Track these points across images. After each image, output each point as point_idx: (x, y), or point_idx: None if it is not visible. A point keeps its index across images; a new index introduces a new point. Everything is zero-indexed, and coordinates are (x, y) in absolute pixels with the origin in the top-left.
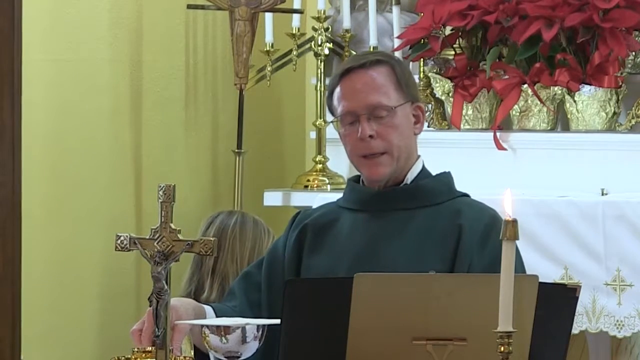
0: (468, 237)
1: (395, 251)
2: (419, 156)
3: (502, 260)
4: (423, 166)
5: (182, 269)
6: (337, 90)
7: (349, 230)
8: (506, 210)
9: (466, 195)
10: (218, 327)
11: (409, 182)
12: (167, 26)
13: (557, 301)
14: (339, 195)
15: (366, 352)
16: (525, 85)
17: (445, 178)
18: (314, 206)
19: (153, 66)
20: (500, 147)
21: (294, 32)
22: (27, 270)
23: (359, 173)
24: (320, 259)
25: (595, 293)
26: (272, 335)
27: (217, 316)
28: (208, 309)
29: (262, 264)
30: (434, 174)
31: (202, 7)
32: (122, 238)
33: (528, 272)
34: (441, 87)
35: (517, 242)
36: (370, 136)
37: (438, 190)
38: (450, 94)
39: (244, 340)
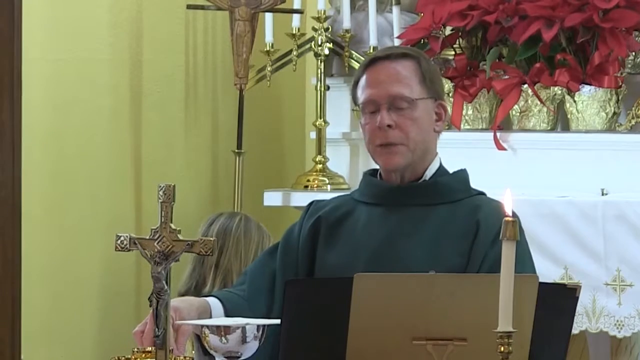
0: (484, 232)
1: (413, 247)
2: (436, 153)
3: (502, 260)
4: (440, 163)
5: (183, 269)
6: (362, 79)
7: (365, 224)
8: (506, 210)
9: (482, 193)
10: (218, 327)
11: (427, 178)
12: (167, 26)
13: (557, 301)
14: (339, 195)
15: (366, 352)
16: (525, 85)
17: (462, 175)
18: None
19: (153, 66)
20: (500, 147)
21: (294, 32)
22: (27, 270)
23: (374, 167)
24: (336, 254)
25: (595, 293)
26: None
27: (224, 306)
28: (214, 301)
29: (275, 251)
30: (450, 171)
31: (202, 7)
32: (122, 238)
33: None
34: None
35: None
36: (389, 126)
37: (456, 187)
38: (450, 94)
39: (244, 340)
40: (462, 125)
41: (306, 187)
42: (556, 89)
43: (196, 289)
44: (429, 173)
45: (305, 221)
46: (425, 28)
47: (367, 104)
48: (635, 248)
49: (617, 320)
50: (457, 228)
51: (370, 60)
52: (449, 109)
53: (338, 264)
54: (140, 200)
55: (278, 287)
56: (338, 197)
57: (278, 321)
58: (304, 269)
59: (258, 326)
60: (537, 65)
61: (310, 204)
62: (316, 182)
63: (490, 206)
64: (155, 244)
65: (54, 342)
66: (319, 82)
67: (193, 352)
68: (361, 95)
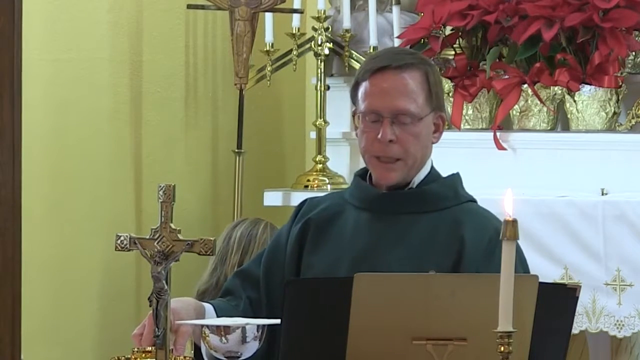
0: (471, 249)
1: (395, 258)
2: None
3: (502, 260)
4: (431, 168)
5: (183, 269)
6: (366, 84)
7: (352, 229)
8: (506, 210)
9: (473, 200)
10: (218, 327)
11: (414, 185)
12: (167, 26)
13: (557, 301)
14: (334, 192)
15: (366, 352)
16: (525, 85)
17: (452, 181)
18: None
19: (153, 66)
20: (500, 147)
21: (294, 32)
22: (27, 270)
23: (366, 167)
24: (320, 258)
25: (595, 293)
26: (272, 335)
27: (217, 314)
28: (208, 307)
29: (260, 261)
30: (443, 174)
31: (202, 7)
32: (122, 238)
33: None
34: None
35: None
36: (391, 140)
37: (443, 195)
38: (450, 94)
39: (244, 340)
40: (462, 125)
41: (306, 187)
42: (556, 88)
43: (217, 287)
44: (417, 180)
45: (295, 224)
46: (425, 28)
47: (370, 114)
48: (635, 248)
49: (617, 320)
50: (440, 242)
51: (378, 67)
52: (449, 110)
53: (321, 269)
54: (140, 200)
55: (262, 295)
56: (331, 195)
57: (278, 321)
58: (290, 271)
59: (258, 326)
60: (537, 65)
61: (303, 202)
62: (316, 182)
63: (475, 221)
64: (155, 243)
65: (54, 342)
66: (319, 82)
67: (192, 352)
68: (363, 102)
